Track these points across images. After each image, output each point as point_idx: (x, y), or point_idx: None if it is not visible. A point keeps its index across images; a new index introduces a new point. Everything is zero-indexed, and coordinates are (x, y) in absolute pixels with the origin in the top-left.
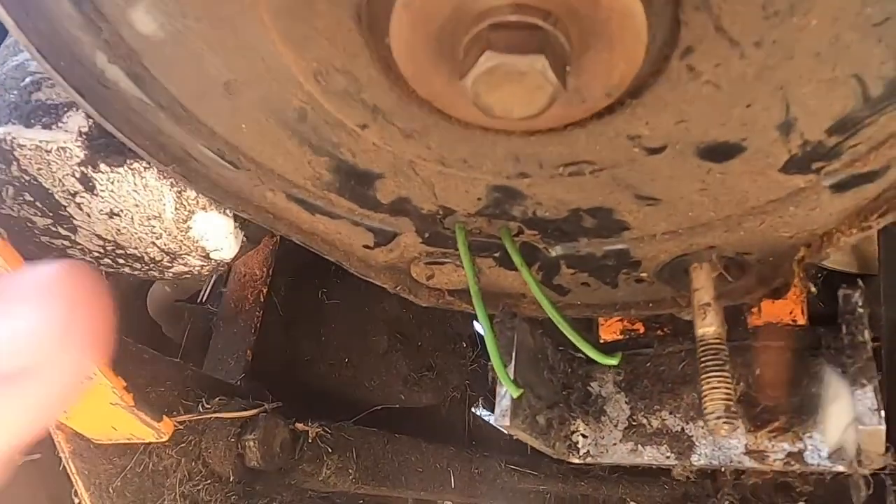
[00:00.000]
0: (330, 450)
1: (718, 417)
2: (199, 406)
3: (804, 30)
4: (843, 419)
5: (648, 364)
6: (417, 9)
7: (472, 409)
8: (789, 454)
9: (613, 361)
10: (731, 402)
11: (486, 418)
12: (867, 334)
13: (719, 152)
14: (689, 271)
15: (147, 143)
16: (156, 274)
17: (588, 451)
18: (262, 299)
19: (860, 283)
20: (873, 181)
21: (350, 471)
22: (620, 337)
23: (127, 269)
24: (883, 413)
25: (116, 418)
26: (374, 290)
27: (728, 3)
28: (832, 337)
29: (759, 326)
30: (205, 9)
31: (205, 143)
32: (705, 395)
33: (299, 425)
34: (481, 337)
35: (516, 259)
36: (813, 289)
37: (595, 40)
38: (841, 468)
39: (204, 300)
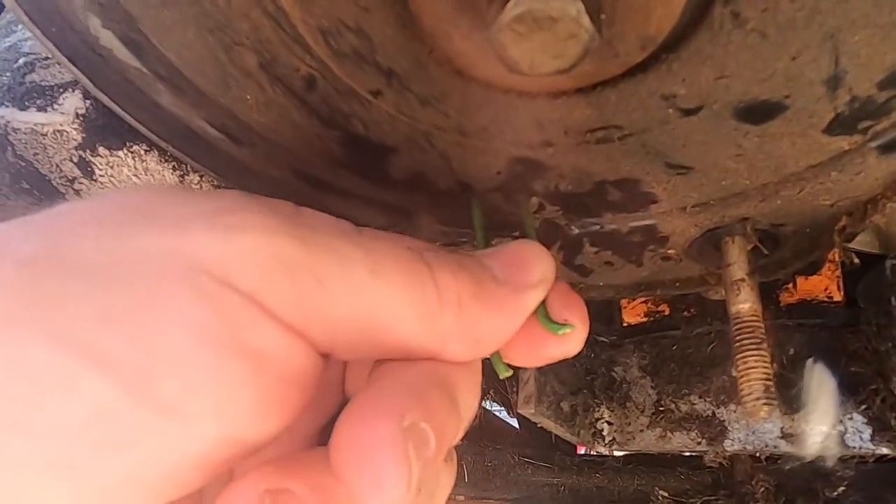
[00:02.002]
0: None
1: (757, 399)
2: None
3: None
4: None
5: (675, 347)
6: None
7: (483, 404)
8: (829, 437)
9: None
10: (770, 383)
11: (497, 413)
12: None
13: (759, 112)
14: (721, 245)
15: (146, 118)
16: None
17: (614, 439)
18: None
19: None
20: None
21: None
22: (645, 319)
23: None
24: None
25: None
26: None
27: None
28: (873, 312)
29: (792, 304)
30: None
31: (207, 117)
32: (742, 376)
33: None
34: None
35: (531, 234)
36: (856, 260)
37: None
38: (885, 451)
39: None
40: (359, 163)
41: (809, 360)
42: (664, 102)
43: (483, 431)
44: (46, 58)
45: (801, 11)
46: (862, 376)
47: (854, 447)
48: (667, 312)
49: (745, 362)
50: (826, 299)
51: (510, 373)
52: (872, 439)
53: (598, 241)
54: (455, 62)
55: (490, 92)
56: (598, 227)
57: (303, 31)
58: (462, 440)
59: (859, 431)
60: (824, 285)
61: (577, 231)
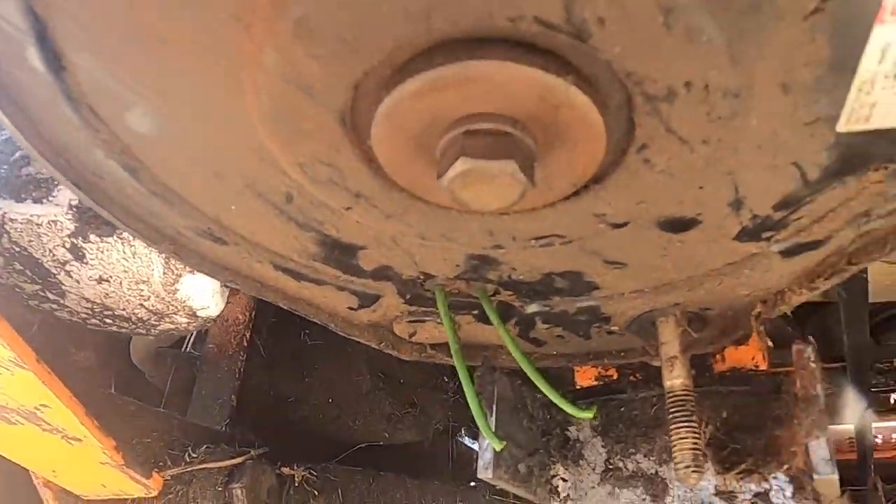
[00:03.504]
0: (316, 492)
1: (687, 466)
2: (186, 455)
3: (745, 129)
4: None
5: (623, 409)
6: (397, 118)
7: (457, 438)
8: (756, 494)
9: (589, 415)
10: (698, 452)
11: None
12: (819, 388)
13: (678, 225)
14: (657, 325)
15: (140, 226)
16: (142, 332)
17: (568, 495)
18: (244, 343)
19: (811, 340)
20: (817, 249)
21: None
22: (595, 383)
23: (114, 328)
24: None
25: (106, 476)
26: None
27: (676, 110)
28: (790, 384)
29: (724, 372)
30: (199, 112)
31: (195, 223)
32: (674, 445)
33: (285, 469)
34: None
35: (494, 319)
36: (770, 343)
37: (559, 141)
38: None
39: (188, 348)
40: (332, 258)
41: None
42: (596, 219)
43: (455, 470)
44: None
45: (700, 159)
46: (783, 439)
47: (778, 503)
48: (615, 377)
49: (678, 433)
50: (753, 368)
51: (504, 444)
52: (794, 497)
53: (548, 320)
54: (414, 191)
55: (445, 210)
56: (548, 308)
57: (283, 163)
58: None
59: (782, 489)
60: (752, 355)
61: (529, 311)
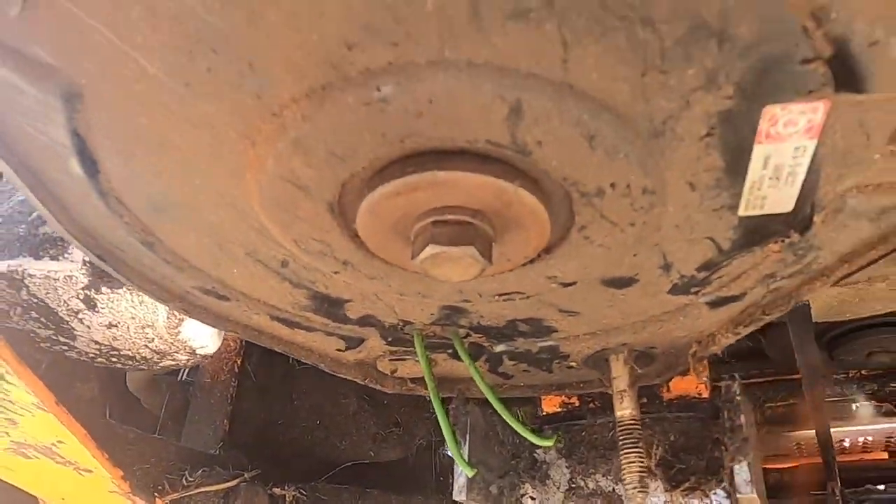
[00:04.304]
0: None
1: (634, 487)
2: (183, 479)
3: (664, 214)
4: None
5: (584, 433)
6: (377, 211)
7: (440, 452)
8: None
9: (548, 443)
10: (644, 474)
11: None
12: (743, 419)
13: (618, 283)
14: (609, 361)
15: (154, 288)
16: (144, 368)
17: None
18: (236, 369)
19: (737, 377)
20: (737, 301)
21: None
22: (559, 409)
23: (119, 365)
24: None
25: (112, 502)
26: None
27: (606, 202)
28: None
29: (671, 400)
30: (209, 199)
31: (202, 284)
32: (623, 469)
33: (277, 490)
34: None
35: (465, 359)
36: (705, 379)
37: (513, 226)
38: None
39: (183, 376)
40: (322, 309)
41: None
42: (548, 280)
43: (438, 484)
44: None
45: (630, 237)
46: (721, 459)
47: None
48: (577, 404)
49: (627, 458)
50: (696, 396)
51: (475, 471)
52: None
53: (514, 357)
54: (393, 262)
55: (420, 275)
56: (513, 348)
57: (280, 239)
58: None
59: None
60: (695, 384)
61: (497, 350)
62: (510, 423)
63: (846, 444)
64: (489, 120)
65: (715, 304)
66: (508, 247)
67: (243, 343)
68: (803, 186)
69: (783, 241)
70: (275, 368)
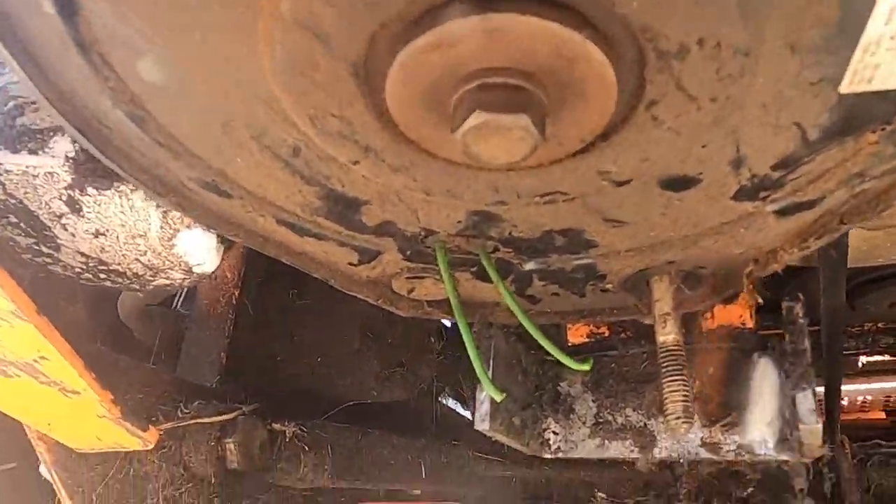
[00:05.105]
0: (307, 448)
1: (678, 418)
2: (178, 411)
3: (752, 87)
4: (766, 416)
5: (613, 365)
6: (412, 69)
7: (440, 400)
8: (740, 446)
9: (586, 367)
10: (689, 404)
11: (452, 407)
12: (807, 343)
13: (679, 184)
14: (650, 283)
15: (145, 177)
16: (136, 287)
17: (559, 447)
18: (233, 301)
19: (801, 296)
20: (811, 209)
21: (326, 467)
22: (587, 340)
23: (108, 283)
24: (820, 414)
25: (102, 429)
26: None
27: (687, 66)
28: (777, 341)
29: (712, 330)
30: (211, 62)
31: (200, 175)
32: (666, 398)
33: (276, 425)
34: (447, 329)
35: (493, 275)
36: (760, 300)
37: (571, 96)
38: (785, 457)
39: (177, 306)
40: (335, 212)
41: (755, 355)
42: (600, 176)
43: (439, 428)
44: (34, 102)
45: (706, 117)
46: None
47: (761, 454)
48: (606, 334)
49: (670, 386)
50: (740, 325)
51: (504, 395)
52: (775, 447)
53: (545, 277)
54: (423, 144)
55: (452, 165)
56: (545, 265)
57: (293, 115)
58: (419, 438)
59: (765, 441)
60: (739, 313)
61: (527, 268)
62: (544, 344)
63: (844, 402)
64: None
65: (784, 211)
66: (562, 124)
67: (241, 274)
68: None
69: (884, 128)
70: (273, 302)
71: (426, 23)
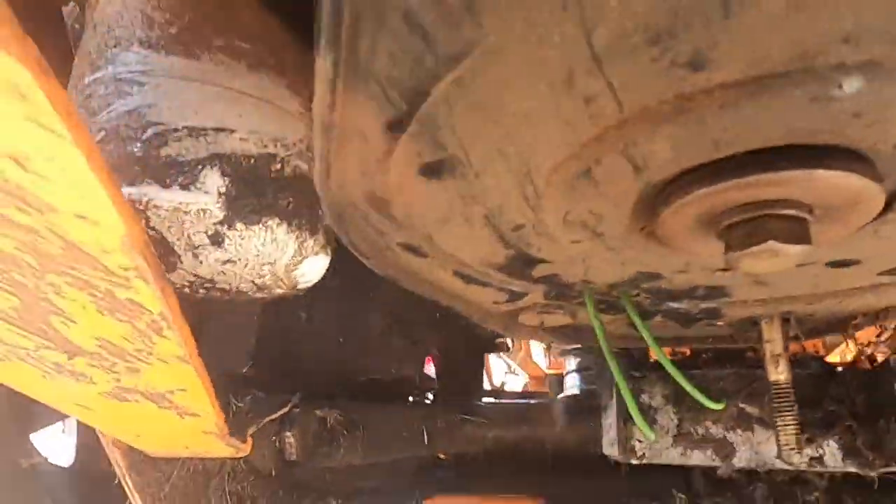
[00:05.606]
0: (346, 431)
1: (791, 448)
2: (232, 406)
3: None
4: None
5: (692, 382)
6: (703, 200)
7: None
8: (812, 458)
9: (720, 406)
10: (800, 436)
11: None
12: None
13: (843, 263)
14: (760, 324)
15: (364, 247)
16: (226, 298)
17: (644, 454)
18: None
19: None
20: None
21: (358, 446)
22: (669, 358)
23: (199, 295)
24: None
25: (197, 441)
26: (369, 273)
27: None
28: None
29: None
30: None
31: (408, 240)
32: (780, 431)
33: (318, 412)
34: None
35: (637, 321)
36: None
37: (840, 213)
38: (851, 469)
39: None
40: (513, 268)
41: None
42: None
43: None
44: (175, 129)
45: None
46: (837, 414)
47: (830, 466)
48: (688, 354)
49: (783, 420)
50: (813, 354)
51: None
52: (843, 460)
53: (668, 315)
54: (671, 245)
55: (682, 253)
56: (674, 308)
57: (548, 209)
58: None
59: (835, 455)
60: (812, 343)
61: (656, 308)
62: (682, 382)
63: None
64: None
65: None
66: (824, 231)
67: None
68: None
69: None
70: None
71: (726, 171)
